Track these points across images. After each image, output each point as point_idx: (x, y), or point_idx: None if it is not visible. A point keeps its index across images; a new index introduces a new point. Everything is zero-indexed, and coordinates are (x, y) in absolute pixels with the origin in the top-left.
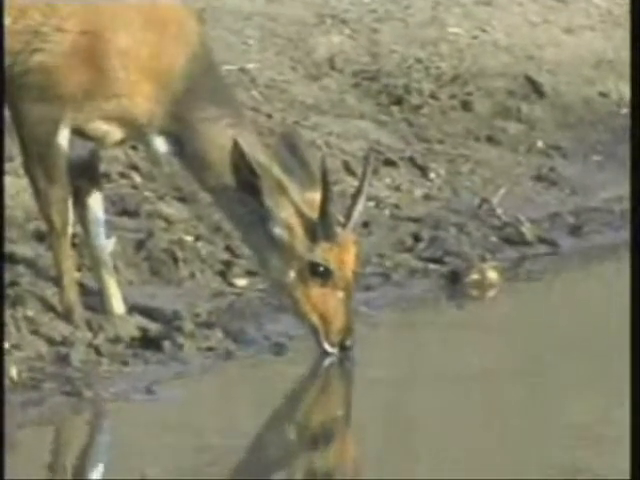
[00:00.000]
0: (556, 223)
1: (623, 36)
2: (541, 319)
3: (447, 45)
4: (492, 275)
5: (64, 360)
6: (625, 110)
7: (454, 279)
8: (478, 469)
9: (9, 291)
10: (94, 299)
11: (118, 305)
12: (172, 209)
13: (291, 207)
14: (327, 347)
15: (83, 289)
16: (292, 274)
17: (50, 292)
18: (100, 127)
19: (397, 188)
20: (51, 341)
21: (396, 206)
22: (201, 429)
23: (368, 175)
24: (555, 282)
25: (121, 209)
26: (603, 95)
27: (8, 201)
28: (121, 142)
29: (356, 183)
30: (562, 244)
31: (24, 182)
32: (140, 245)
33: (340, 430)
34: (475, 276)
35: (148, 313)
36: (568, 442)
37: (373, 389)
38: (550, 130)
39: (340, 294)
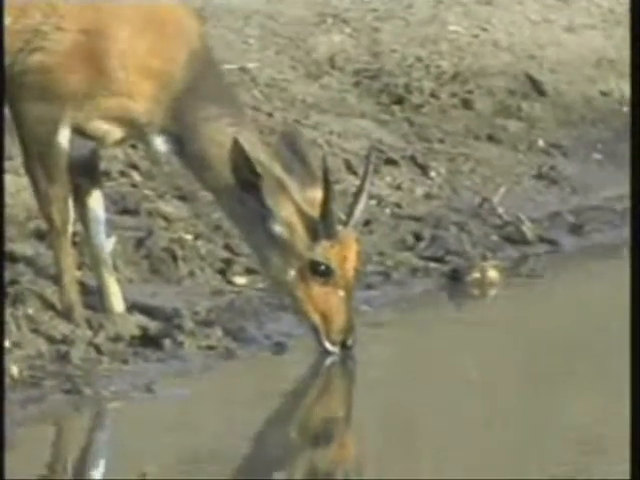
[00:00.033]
0: (557, 222)
1: (624, 35)
2: (542, 318)
3: (448, 44)
4: (493, 274)
5: (64, 358)
6: (626, 109)
7: (455, 278)
8: (478, 469)
9: (9, 289)
10: (94, 297)
11: (118, 303)
12: (172, 208)
13: (292, 206)
14: (328, 346)
15: (83, 287)
16: (293, 273)
17: (50, 290)
18: (100, 126)
19: (398, 187)
20: (51, 339)
21: (397, 205)
22: (201, 428)
23: (369, 174)
24: (556, 281)
25: (121, 208)
26: (604, 94)
27: (8, 199)
28: (121, 141)
29: (357, 182)
30: (563, 243)
31: (24, 181)
32: (140, 243)
33: (341, 429)
34: (476, 275)
35: (148, 311)
36: (568, 442)
37: (374, 388)
38: (551, 129)
39: (341, 293)
